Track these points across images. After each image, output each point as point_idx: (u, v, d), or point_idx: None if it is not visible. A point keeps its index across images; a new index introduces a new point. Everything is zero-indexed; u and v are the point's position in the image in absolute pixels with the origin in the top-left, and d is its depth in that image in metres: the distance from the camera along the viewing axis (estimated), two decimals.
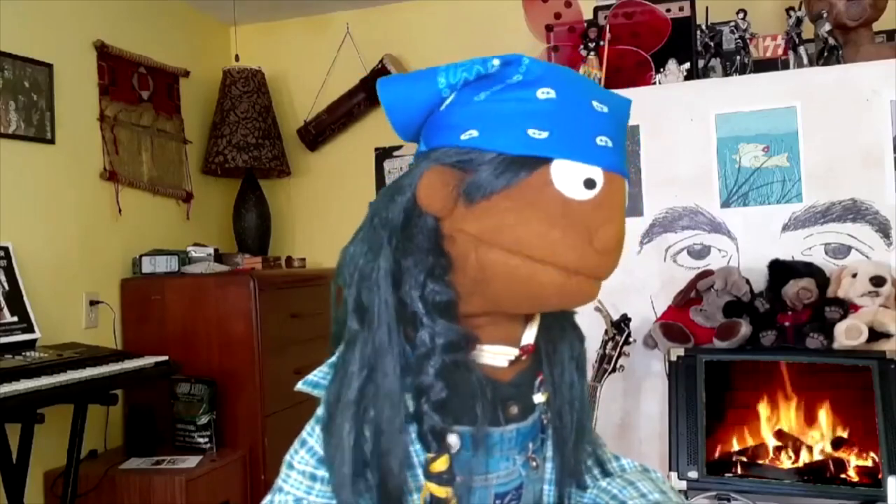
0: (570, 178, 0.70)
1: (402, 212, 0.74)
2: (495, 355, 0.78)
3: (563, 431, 0.84)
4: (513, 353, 0.79)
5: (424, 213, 0.74)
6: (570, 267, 0.71)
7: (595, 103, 0.72)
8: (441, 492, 0.72)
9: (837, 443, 1.86)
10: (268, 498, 0.80)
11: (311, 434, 0.78)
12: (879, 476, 1.73)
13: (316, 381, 0.79)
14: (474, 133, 0.71)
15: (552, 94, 0.71)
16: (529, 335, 0.81)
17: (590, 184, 0.70)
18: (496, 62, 0.72)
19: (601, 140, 0.71)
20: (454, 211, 0.73)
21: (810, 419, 1.90)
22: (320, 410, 0.77)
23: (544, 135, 0.70)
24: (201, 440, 2.59)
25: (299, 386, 0.79)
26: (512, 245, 0.71)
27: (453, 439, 0.73)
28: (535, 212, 0.70)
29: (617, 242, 0.73)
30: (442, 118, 0.75)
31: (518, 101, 0.71)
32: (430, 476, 0.72)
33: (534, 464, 0.83)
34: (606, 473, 0.92)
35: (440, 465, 0.72)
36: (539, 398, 0.83)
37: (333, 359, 0.78)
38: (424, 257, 0.74)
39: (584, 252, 0.71)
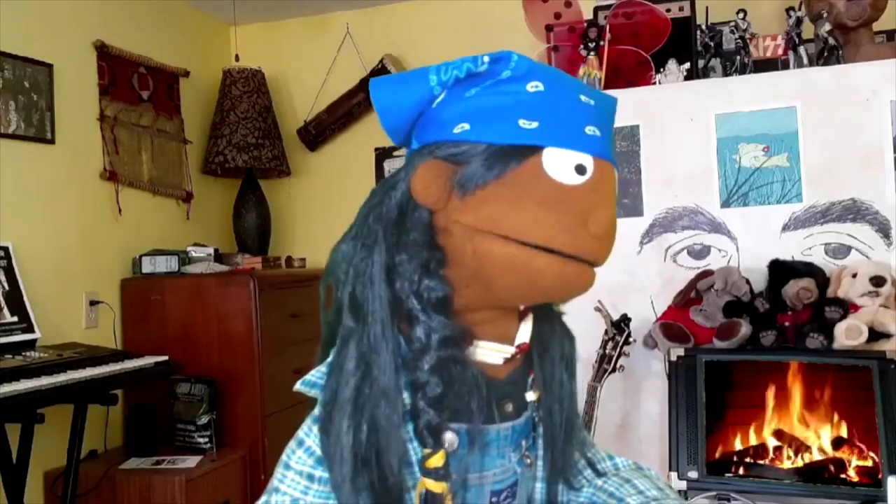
0: (561, 164, 0.71)
1: (397, 207, 0.75)
2: (491, 353, 0.78)
3: (552, 429, 0.84)
4: (509, 350, 0.79)
5: (419, 208, 0.75)
6: (567, 251, 0.72)
7: (582, 97, 0.74)
8: (437, 487, 0.73)
9: (837, 443, 1.86)
10: (263, 498, 0.80)
11: (309, 434, 0.78)
12: (879, 476, 1.72)
13: (314, 381, 0.79)
14: (466, 126, 0.73)
15: (541, 86, 0.73)
16: (524, 334, 0.81)
17: (581, 169, 0.72)
18: (486, 59, 0.73)
19: (590, 129, 0.73)
20: (448, 203, 0.74)
21: (810, 419, 1.90)
22: (317, 410, 0.77)
23: (534, 125, 0.71)
24: (201, 440, 2.59)
25: (297, 387, 0.79)
26: (508, 232, 0.72)
27: (451, 437, 0.73)
28: (530, 198, 0.71)
29: (611, 226, 0.74)
30: (433, 115, 0.76)
31: (508, 94, 0.72)
32: (426, 472, 0.73)
33: (528, 461, 0.83)
34: (599, 474, 0.92)
35: (436, 460, 0.72)
36: (531, 396, 0.83)
37: (331, 359, 0.78)
38: (419, 252, 0.74)
39: (580, 235, 0.72)
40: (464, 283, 0.75)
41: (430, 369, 0.72)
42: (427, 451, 0.73)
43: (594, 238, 0.73)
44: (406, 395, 0.74)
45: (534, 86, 0.72)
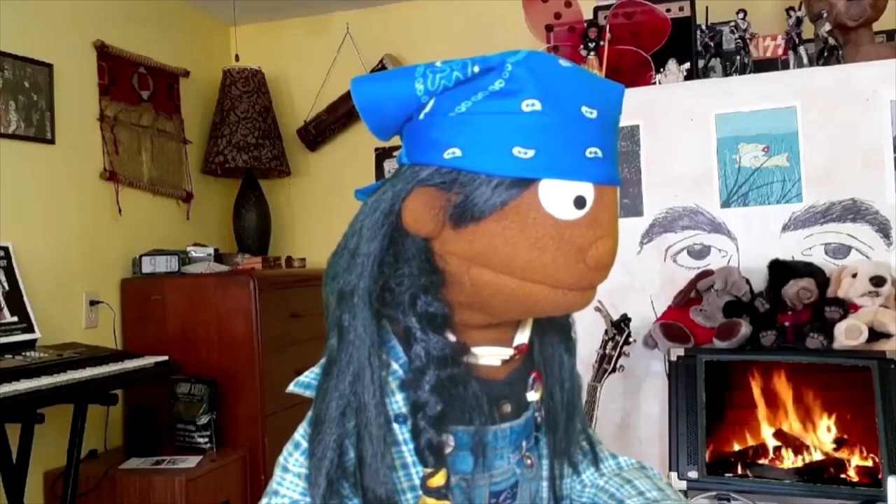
0: (558, 198, 0.68)
1: (388, 233, 0.73)
2: (489, 356, 0.78)
3: (554, 411, 0.84)
4: (507, 353, 0.79)
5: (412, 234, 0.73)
6: (564, 286, 0.71)
7: (584, 109, 0.68)
8: None
9: (837, 443, 1.86)
10: (264, 501, 0.79)
11: (305, 436, 0.78)
12: (879, 476, 1.72)
13: (308, 381, 0.78)
14: (457, 152, 0.69)
15: (537, 105, 0.67)
16: (522, 336, 0.81)
17: (580, 202, 0.69)
18: (476, 68, 0.69)
19: (591, 152, 0.69)
20: (442, 233, 0.72)
21: (810, 419, 1.90)
22: (311, 413, 0.77)
23: (530, 153, 0.67)
24: (201, 440, 2.59)
25: (291, 388, 0.79)
26: (503, 268, 0.70)
27: (447, 438, 0.73)
28: (524, 236, 0.69)
29: (610, 258, 0.72)
30: (422, 130, 0.72)
31: (501, 114, 0.67)
32: (427, 491, 0.72)
33: (528, 462, 0.83)
34: (601, 473, 0.92)
35: (438, 479, 0.72)
36: (532, 396, 0.82)
37: (324, 360, 0.77)
38: (416, 275, 0.73)
39: (577, 271, 0.70)
40: (463, 305, 0.75)
41: (430, 389, 0.71)
42: (428, 470, 0.72)
43: (592, 271, 0.71)
44: (406, 412, 0.73)
45: (529, 104, 0.67)
